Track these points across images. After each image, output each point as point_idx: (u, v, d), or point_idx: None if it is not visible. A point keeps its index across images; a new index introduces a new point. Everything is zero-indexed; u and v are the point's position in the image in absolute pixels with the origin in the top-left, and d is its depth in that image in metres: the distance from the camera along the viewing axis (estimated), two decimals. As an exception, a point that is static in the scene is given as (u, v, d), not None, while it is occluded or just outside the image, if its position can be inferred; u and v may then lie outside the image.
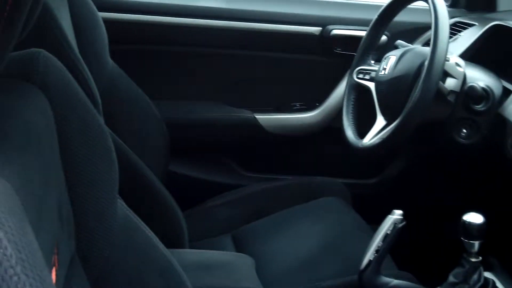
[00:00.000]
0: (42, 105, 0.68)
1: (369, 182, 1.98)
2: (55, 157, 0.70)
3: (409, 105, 1.30)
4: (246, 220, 1.61)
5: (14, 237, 0.43)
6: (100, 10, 1.46)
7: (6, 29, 0.50)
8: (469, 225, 1.18)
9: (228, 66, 1.90)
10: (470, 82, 1.35)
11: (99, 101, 1.13)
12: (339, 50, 1.87)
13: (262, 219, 1.61)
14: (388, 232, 1.23)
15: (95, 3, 1.43)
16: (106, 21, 1.47)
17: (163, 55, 1.86)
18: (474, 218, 1.18)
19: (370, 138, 1.43)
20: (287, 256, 1.44)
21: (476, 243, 1.19)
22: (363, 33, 1.65)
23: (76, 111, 0.76)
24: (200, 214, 1.64)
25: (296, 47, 1.88)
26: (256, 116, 1.90)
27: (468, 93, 1.34)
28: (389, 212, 1.22)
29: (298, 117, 1.93)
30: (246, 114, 1.90)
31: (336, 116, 1.87)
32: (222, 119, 1.90)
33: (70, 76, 0.79)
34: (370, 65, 1.60)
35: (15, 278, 0.41)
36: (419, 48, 1.47)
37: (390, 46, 1.68)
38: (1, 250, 0.41)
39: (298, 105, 1.95)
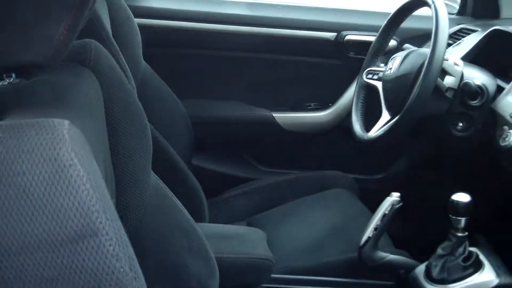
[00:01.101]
0: (94, 84, 0.85)
1: (376, 177, 2.11)
2: (103, 126, 0.86)
3: (410, 100, 1.44)
4: (260, 209, 1.75)
5: (85, 164, 0.58)
6: (136, 16, 1.61)
7: (74, 25, 0.67)
8: (457, 203, 1.32)
9: (249, 68, 2.04)
10: (465, 75, 1.49)
11: (135, 89, 1.29)
12: (352, 54, 2.01)
13: (275, 208, 1.76)
14: (386, 212, 1.38)
15: (131, 10, 1.59)
16: (141, 26, 1.63)
17: (190, 58, 2.02)
18: (461, 197, 1.32)
19: (375, 131, 1.57)
20: (297, 238, 1.58)
21: (463, 220, 1.33)
22: (374, 38, 1.80)
23: (120, 91, 0.92)
24: (218, 203, 1.79)
25: (312, 51, 2.02)
26: (274, 115, 2.05)
27: (464, 90, 1.46)
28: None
29: (312, 115, 2.07)
30: (264, 112, 2.05)
31: (347, 115, 2.00)
32: (242, 117, 2.05)
33: (115, 62, 0.95)
34: (378, 66, 1.74)
35: (86, 192, 0.56)
36: (422, 50, 1.60)
37: (399, 50, 1.82)
38: (76, 172, 0.57)
39: (312, 105, 2.09)
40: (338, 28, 2.00)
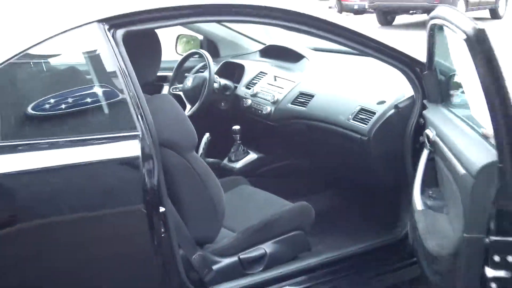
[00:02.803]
0: None
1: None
2: None
3: (202, 95, 3.28)
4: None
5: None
6: None
7: None
8: (234, 129, 3.21)
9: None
10: (221, 83, 3.40)
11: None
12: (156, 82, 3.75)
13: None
14: (206, 140, 3.19)
15: None
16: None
17: None
18: (236, 127, 3.21)
19: (187, 113, 3.39)
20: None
21: (238, 136, 3.21)
22: (170, 73, 3.59)
23: None
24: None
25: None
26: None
27: (223, 88, 3.39)
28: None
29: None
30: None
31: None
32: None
33: None
34: (177, 85, 3.56)
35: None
36: (201, 74, 3.44)
37: (182, 76, 3.62)
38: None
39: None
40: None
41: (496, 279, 1.76)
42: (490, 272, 1.77)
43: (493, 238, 1.76)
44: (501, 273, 1.76)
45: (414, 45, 2.57)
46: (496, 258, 1.75)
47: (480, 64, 1.70)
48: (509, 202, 1.75)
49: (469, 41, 1.71)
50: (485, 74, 1.70)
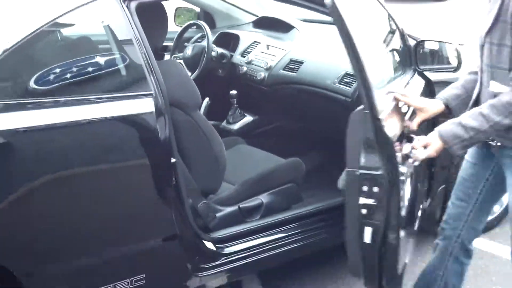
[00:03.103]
0: None
1: None
2: None
3: (201, 63, 3.54)
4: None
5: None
6: None
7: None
8: (231, 93, 3.50)
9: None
10: (219, 51, 3.67)
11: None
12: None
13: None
14: (205, 104, 3.48)
15: None
16: None
17: None
18: (233, 92, 3.51)
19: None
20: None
21: (235, 100, 3.51)
22: (170, 43, 3.84)
23: None
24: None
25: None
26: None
27: (220, 56, 3.66)
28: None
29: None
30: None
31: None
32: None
33: None
34: (177, 54, 3.81)
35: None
36: (199, 43, 3.70)
37: (182, 46, 3.87)
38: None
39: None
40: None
41: (365, 206, 2.09)
42: (361, 200, 2.09)
43: (362, 171, 2.08)
44: (370, 201, 2.08)
45: (402, 18, 2.80)
46: (365, 188, 2.08)
47: (337, 27, 2.02)
48: (372, 142, 2.07)
49: (329, 11, 2.02)
50: (340, 34, 2.02)
